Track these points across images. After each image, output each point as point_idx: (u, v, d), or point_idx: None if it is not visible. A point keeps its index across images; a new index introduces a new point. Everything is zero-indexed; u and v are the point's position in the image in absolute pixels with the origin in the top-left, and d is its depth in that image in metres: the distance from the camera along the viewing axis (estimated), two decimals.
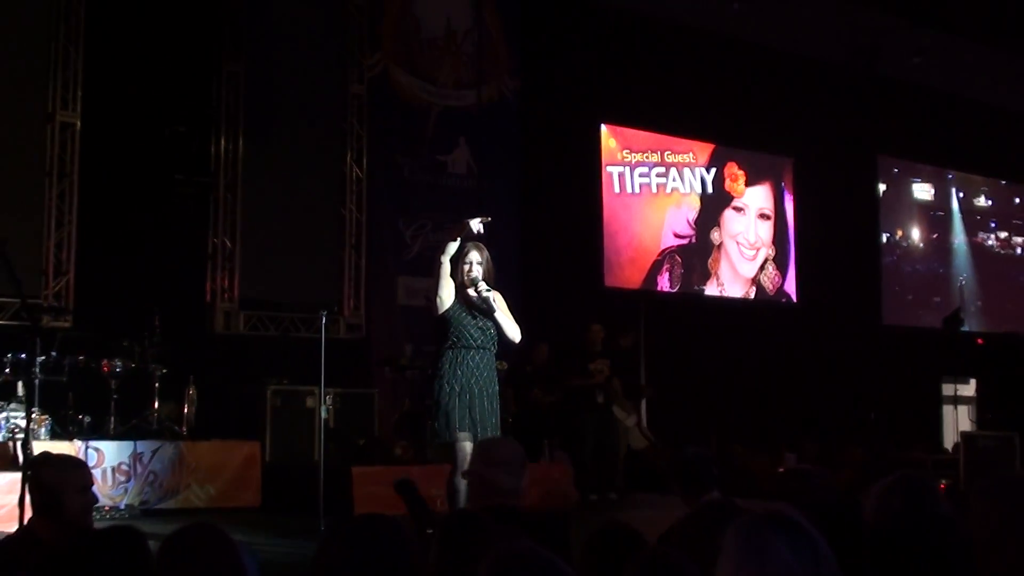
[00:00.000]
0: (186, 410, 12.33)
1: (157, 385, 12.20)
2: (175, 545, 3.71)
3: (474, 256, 8.54)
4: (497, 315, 8.57)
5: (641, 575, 3.41)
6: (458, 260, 8.54)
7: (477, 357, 8.57)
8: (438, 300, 8.53)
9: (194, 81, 14.10)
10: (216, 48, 14.32)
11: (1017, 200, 23.87)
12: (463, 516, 4.37)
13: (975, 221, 23.06)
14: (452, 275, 8.53)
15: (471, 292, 8.52)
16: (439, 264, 8.51)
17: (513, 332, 8.71)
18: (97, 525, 4.23)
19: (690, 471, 5.97)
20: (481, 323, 8.56)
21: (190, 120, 14.11)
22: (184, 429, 12.22)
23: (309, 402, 12.64)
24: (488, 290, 8.50)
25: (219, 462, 11.94)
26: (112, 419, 11.78)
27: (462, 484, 7.94)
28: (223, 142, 14.29)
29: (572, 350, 14.41)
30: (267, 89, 14.58)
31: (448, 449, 8.58)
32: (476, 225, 8.54)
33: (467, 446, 8.24)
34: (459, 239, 8.53)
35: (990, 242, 23.39)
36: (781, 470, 15.72)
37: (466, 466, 7.44)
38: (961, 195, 22.83)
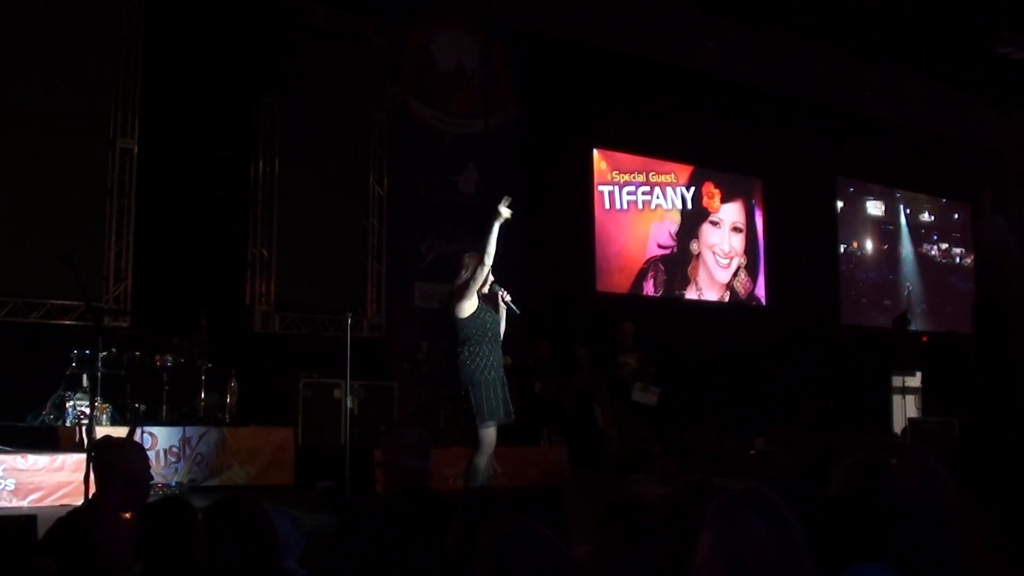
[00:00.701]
0: (229, 400, 12.35)
1: (203, 378, 12.24)
2: (217, 512, 3.75)
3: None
4: (505, 312, 8.77)
5: (623, 539, 3.38)
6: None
7: (497, 351, 8.68)
8: (466, 304, 8.57)
9: (236, 111, 14.11)
10: (255, 82, 14.34)
11: (956, 216, 23.86)
12: (482, 492, 4.35)
13: (920, 234, 23.07)
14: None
15: (503, 296, 8.73)
16: (467, 281, 8.55)
17: (502, 329, 8.84)
18: (152, 500, 4.24)
19: (681, 454, 5.96)
20: (496, 319, 8.71)
21: (232, 145, 14.13)
22: (227, 416, 12.23)
23: (336, 393, 12.62)
24: (507, 293, 8.73)
25: (257, 445, 11.97)
26: (164, 407, 11.84)
27: (483, 464, 8.25)
28: (261, 164, 14.30)
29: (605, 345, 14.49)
30: (299, 117, 14.58)
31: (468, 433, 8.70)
32: (505, 210, 8.68)
33: (494, 431, 8.43)
34: (496, 225, 8.58)
35: (933, 252, 23.39)
36: (752, 452, 15.76)
37: (491, 452, 8.15)
38: (908, 211, 22.83)
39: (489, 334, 8.66)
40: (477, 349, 8.58)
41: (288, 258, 14.35)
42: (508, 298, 8.78)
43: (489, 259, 8.54)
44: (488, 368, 8.56)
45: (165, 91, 13.38)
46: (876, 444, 16.19)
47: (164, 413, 11.79)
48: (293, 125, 14.52)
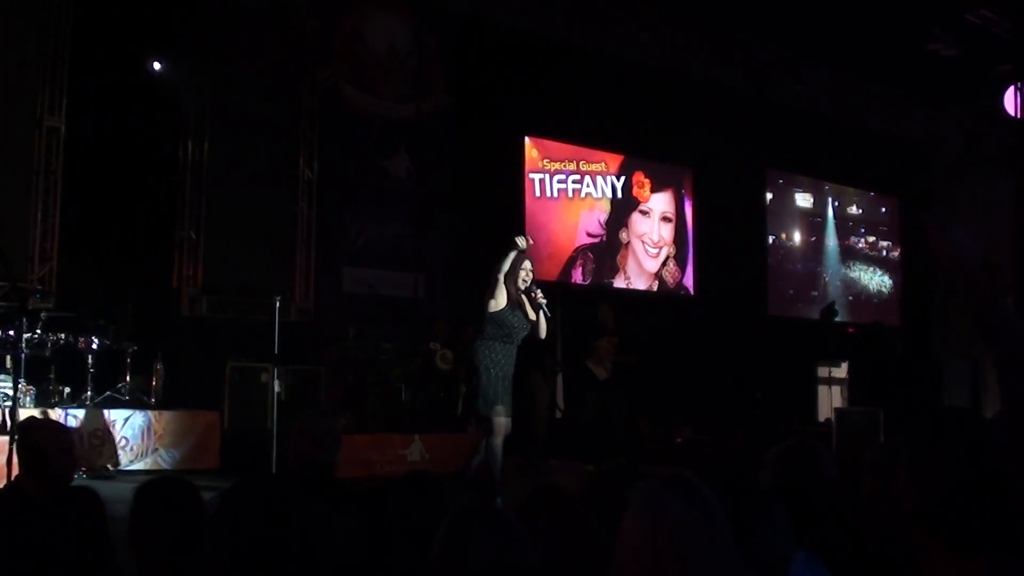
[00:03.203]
0: (154, 383, 12.29)
1: (129, 361, 12.18)
2: (148, 491, 3.81)
3: (527, 265, 9.43)
4: (541, 314, 9.37)
5: (552, 527, 3.46)
6: (515, 269, 9.30)
7: (512, 350, 9.42)
8: (492, 302, 9.27)
9: (166, 91, 14.02)
10: (186, 62, 14.27)
11: (883, 209, 24.16)
12: (418, 477, 4.38)
13: (847, 227, 23.33)
14: (505, 282, 9.29)
15: (537, 297, 9.32)
16: (496, 278, 9.26)
17: (544, 331, 9.54)
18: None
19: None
20: (522, 322, 9.39)
21: (162, 126, 14.06)
22: (152, 400, 12.19)
23: (263, 377, 12.58)
24: (543, 296, 9.33)
25: (183, 429, 11.95)
26: (89, 390, 11.74)
27: (498, 444, 9.19)
28: (190, 145, 14.26)
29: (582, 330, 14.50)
30: (230, 99, 14.55)
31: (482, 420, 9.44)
32: (521, 242, 9.39)
33: (502, 417, 9.26)
34: (511, 255, 9.27)
35: (860, 245, 23.66)
36: (678, 440, 15.94)
37: (503, 433, 9.20)
38: (836, 204, 23.09)
39: (507, 334, 9.34)
40: (491, 344, 9.34)
41: (216, 241, 14.32)
42: (543, 300, 9.33)
43: (502, 277, 9.28)
44: (494, 364, 9.31)
45: (93, 70, 13.27)
46: (802, 433, 16.43)
47: (89, 396, 11.71)
48: (224, 106, 14.48)
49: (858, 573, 3.75)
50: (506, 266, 9.28)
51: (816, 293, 22.28)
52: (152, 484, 3.92)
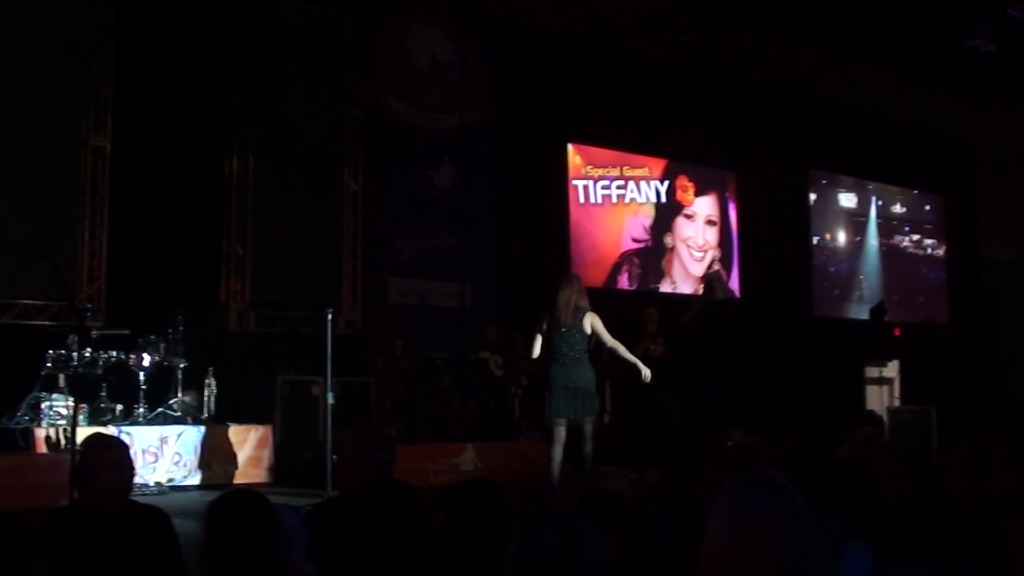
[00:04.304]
0: (206, 398, 12.29)
1: (180, 377, 12.18)
2: (223, 505, 3.78)
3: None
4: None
5: (623, 533, 3.43)
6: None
7: (562, 367, 10.49)
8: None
9: (209, 108, 14.04)
10: (229, 78, 14.29)
11: (927, 207, 24.00)
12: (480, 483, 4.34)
13: (892, 226, 23.18)
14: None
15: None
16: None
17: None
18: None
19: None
20: (567, 342, 10.51)
21: (206, 142, 14.09)
22: (204, 415, 12.18)
23: (313, 390, 12.61)
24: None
25: (235, 444, 11.96)
26: (141, 407, 11.74)
27: (554, 454, 10.39)
28: (235, 161, 14.27)
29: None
30: (274, 114, 14.55)
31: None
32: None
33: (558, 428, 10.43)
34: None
35: (905, 244, 23.51)
36: (729, 444, 15.82)
37: (559, 441, 10.41)
38: (880, 203, 22.94)
39: (556, 354, 10.48)
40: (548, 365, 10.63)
41: (263, 255, 14.31)
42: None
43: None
44: (551, 379, 10.55)
45: (138, 88, 13.31)
46: (853, 434, 16.30)
47: (141, 412, 11.71)
48: (267, 122, 14.48)
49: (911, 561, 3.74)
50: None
51: (860, 293, 22.12)
52: (226, 498, 3.90)
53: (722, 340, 17.95)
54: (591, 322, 10.49)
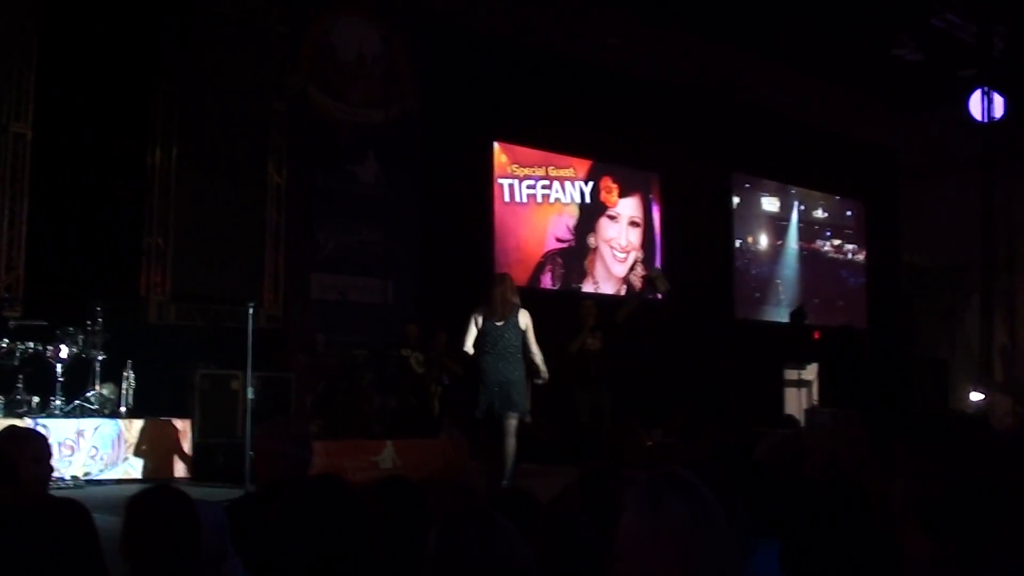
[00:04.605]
0: (124, 391, 12.17)
1: (98, 369, 12.03)
2: (142, 502, 3.78)
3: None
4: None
5: (545, 532, 3.47)
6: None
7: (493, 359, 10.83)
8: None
9: (135, 97, 13.92)
10: (155, 68, 14.15)
11: (849, 213, 24.29)
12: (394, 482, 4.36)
13: (813, 230, 23.43)
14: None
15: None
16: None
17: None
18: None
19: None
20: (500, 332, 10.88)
21: (130, 132, 13.94)
22: (122, 409, 12.06)
23: (233, 385, 12.52)
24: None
25: (153, 438, 11.85)
26: (58, 399, 11.60)
27: (511, 448, 10.75)
28: (158, 152, 14.12)
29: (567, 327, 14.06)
30: (199, 105, 14.41)
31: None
32: None
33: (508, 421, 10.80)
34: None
35: (825, 248, 23.77)
36: (649, 443, 15.91)
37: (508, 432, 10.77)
38: (802, 208, 23.17)
39: (490, 347, 10.83)
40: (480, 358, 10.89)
41: (184, 248, 14.19)
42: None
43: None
44: (483, 371, 10.83)
45: (61, 75, 13.15)
46: (771, 435, 16.45)
47: (58, 405, 11.58)
48: (192, 112, 14.34)
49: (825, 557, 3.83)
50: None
51: (781, 296, 22.35)
52: (145, 495, 3.89)
53: (645, 339, 18.07)
54: (526, 321, 10.94)
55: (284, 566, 3.15)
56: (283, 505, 3.26)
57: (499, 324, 10.79)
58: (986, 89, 15.53)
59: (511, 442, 10.79)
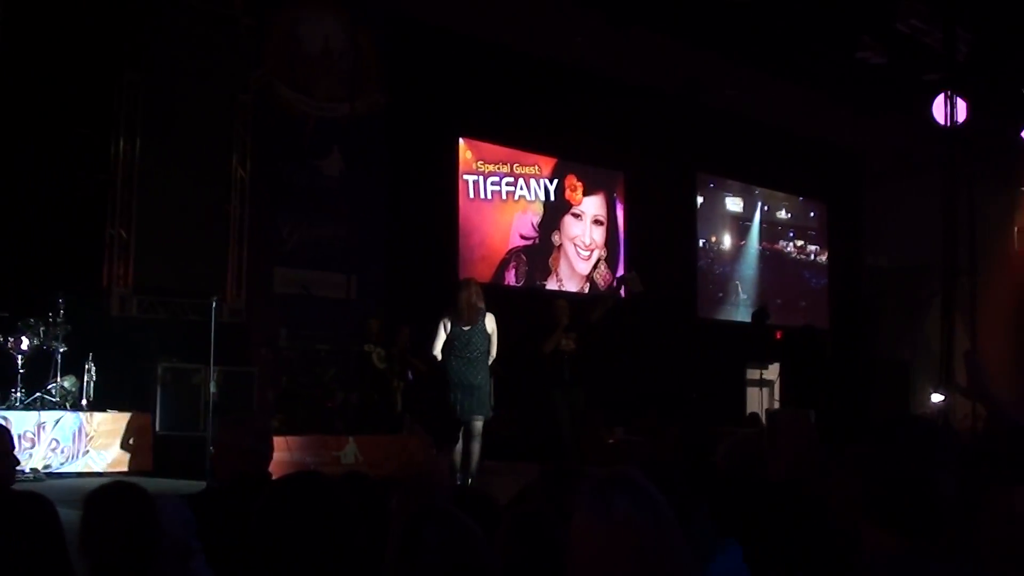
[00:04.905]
0: (85, 384, 12.14)
1: (59, 361, 12.02)
2: (100, 498, 3.78)
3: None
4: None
5: (509, 531, 3.50)
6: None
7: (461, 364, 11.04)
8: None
9: (98, 88, 13.86)
10: (118, 59, 14.08)
11: (812, 214, 24.44)
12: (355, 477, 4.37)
13: (776, 231, 23.56)
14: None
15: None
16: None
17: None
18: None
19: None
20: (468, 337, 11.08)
21: (93, 123, 13.88)
22: (83, 402, 12.04)
23: (195, 379, 12.55)
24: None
25: (115, 431, 11.86)
26: (18, 391, 11.58)
27: (476, 449, 11.04)
28: (122, 143, 14.07)
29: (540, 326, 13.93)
30: (163, 97, 14.36)
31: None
32: None
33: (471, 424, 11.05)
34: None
35: (788, 249, 23.90)
36: (611, 441, 15.99)
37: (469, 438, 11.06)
38: (765, 208, 23.30)
39: (458, 351, 11.02)
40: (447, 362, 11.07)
41: (147, 240, 14.14)
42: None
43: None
44: (451, 375, 11.03)
45: (24, 65, 13.07)
46: (733, 434, 16.54)
47: (18, 397, 11.55)
48: (156, 104, 14.29)
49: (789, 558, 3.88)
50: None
51: (745, 296, 22.46)
52: (103, 491, 3.89)
53: (608, 338, 18.13)
54: (493, 326, 11.18)
55: (266, 564, 3.16)
56: (265, 502, 3.27)
57: (466, 329, 10.99)
58: (949, 93, 15.62)
59: (476, 445, 11.05)
